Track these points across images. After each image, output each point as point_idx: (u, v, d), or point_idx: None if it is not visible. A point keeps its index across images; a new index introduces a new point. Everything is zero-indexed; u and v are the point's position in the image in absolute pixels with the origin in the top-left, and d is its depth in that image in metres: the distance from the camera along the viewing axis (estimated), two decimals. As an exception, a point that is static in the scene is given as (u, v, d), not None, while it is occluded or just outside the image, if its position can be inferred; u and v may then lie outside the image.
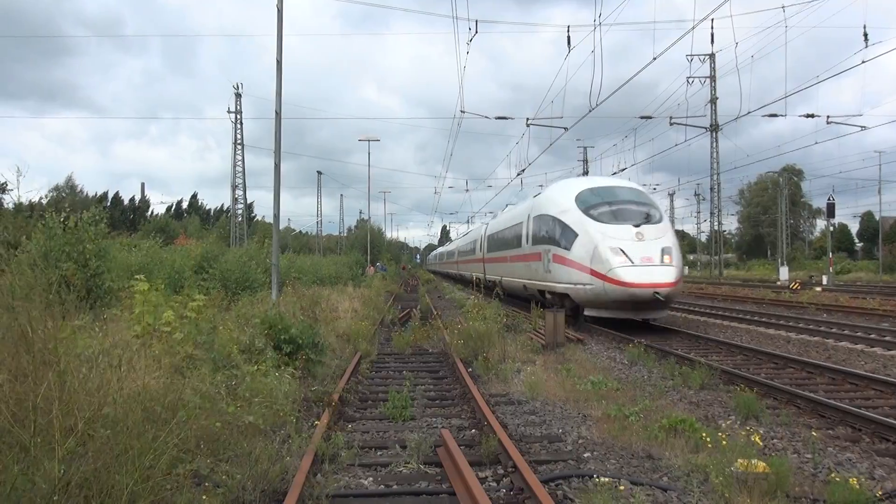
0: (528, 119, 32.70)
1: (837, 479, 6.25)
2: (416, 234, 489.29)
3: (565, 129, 30.80)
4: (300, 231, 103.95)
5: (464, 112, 31.86)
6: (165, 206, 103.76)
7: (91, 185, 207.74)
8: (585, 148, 74.80)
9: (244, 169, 60.17)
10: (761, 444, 7.95)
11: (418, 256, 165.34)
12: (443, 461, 7.32)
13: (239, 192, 60.41)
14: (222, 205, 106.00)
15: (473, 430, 8.85)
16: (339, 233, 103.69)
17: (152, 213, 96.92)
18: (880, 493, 6.25)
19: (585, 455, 7.74)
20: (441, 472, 7.09)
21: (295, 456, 7.00)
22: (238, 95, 58.96)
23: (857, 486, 5.91)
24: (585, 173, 68.28)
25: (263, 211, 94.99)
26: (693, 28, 20.49)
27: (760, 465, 6.58)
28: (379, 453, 7.84)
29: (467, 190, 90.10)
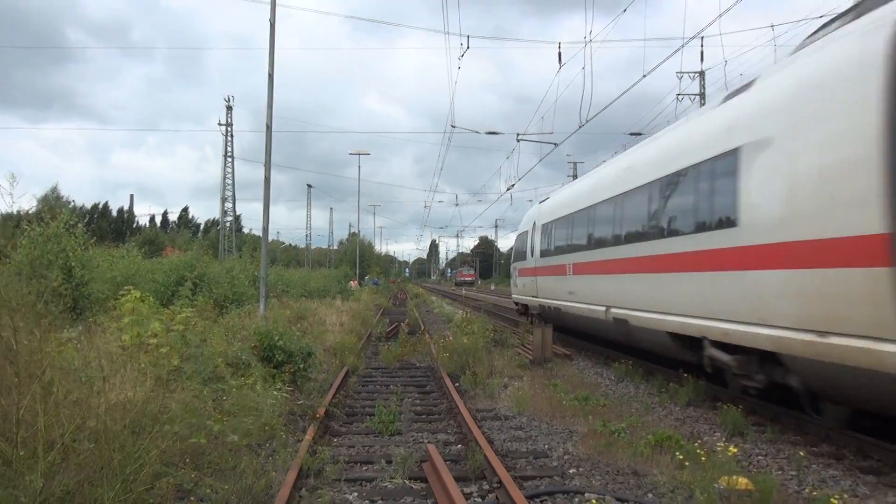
0: (518, 134, 32.80)
1: (820, 496, 6.27)
2: (407, 247, 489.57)
3: (555, 144, 30.92)
4: (289, 244, 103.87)
5: (454, 126, 31.87)
6: (152, 218, 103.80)
7: (85, 196, 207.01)
8: (575, 164, 75.40)
9: (234, 181, 60.24)
10: (746, 460, 7.98)
11: (407, 270, 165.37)
12: (428, 476, 7.32)
13: (228, 205, 60.40)
14: (214, 217, 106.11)
15: (460, 446, 8.85)
16: (329, 246, 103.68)
17: (137, 224, 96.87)
18: (863, 510, 6.29)
19: (571, 471, 7.74)
20: (426, 488, 7.08)
21: (280, 470, 6.99)
22: (229, 108, 59.03)
23: (840, 504, 5.93)
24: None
25: (258, 223, 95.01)
26: (682, 46, 20.66)
27: (745, 482, 6.61)
28: (364, 468, 7.82)
29: (457, 204, 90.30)
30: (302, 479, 7.02)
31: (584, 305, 17.07)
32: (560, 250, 20.04)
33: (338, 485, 7.11)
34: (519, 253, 27.55)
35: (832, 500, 5.97)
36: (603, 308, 15.35)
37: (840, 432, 8.87)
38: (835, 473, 7.71)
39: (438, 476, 6.95)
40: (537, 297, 23.31)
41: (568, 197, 20.64)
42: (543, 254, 22.30)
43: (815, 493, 6.57)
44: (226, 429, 7.11)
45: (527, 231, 25.58)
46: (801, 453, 7.96)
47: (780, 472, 7.76)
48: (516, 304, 29.06)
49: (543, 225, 22.58)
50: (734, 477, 6.68)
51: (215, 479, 6.35)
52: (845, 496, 6.35)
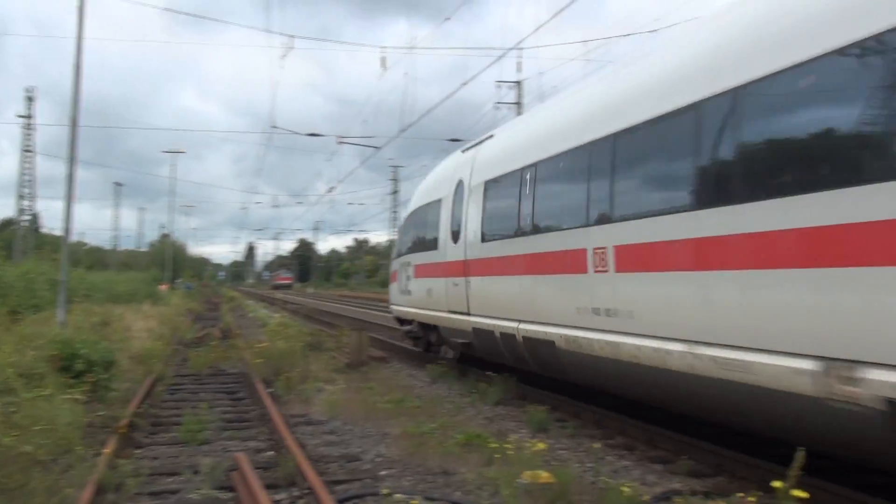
0: (338, 137, 32.81)
1: (612, 485, 6.70)
2: (223, 250, 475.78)
3: (377, 147, 31.20)
4: (95, 245, 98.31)
5: (275, 127, 31.54)
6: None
7: None
8: (396, 167, 77.34)
9: (34, 178, 56.69)
10: (548, 455, 8.40)
11: (223, 273, 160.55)
12: (237, 485, 7.16)
13: (26, 203, 56.62)
14: (10, 216, 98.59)
15: (271, 452, 8.72)
16: (138, 247, 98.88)
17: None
18: (647, 497, 6.78)
19: (382, 473, 7.83)
20: (235, 497, 6.94)
21: (76, 487, 6.61)
22: (30, 99, 55.70)
23: (629, 492, 6.36)
24: (395, 193, 73.28)
25: (60, 222, 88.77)
26: (501, 56, 21.51)
27: (546, 476, 6.95)
28: (169, 480, 7.54)
29: (276, 206, 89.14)
30: (100, 496, 6.68)
31: (677, 349, 7.35)
32: (549, 226, 10.55)
33: (139, 499, 6.82)
34: (414, 240, 17.39)
35: (623, 488, 6.41)
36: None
37: (633, 425, 9.51)
38: (627, 464, 8.26)
39: (247, 484, 6.84)
40: (468, 315, 13.30)
41: (572, 112, 10.56)
42: (492, 236, 12.52)
43: (608, 483, 7.01)
44: (16, 443, 6.69)
45: (437, 201, 15.35)
46: (598, 446, 8.47)
47: (579, 465, 8.19)
48: (402, 322, 19.02)
49: (490, 182, 12.73)
50: (536, 471, 7.03)
51: (1, 499, 5.93)
52: (635, 484, 6.83)
